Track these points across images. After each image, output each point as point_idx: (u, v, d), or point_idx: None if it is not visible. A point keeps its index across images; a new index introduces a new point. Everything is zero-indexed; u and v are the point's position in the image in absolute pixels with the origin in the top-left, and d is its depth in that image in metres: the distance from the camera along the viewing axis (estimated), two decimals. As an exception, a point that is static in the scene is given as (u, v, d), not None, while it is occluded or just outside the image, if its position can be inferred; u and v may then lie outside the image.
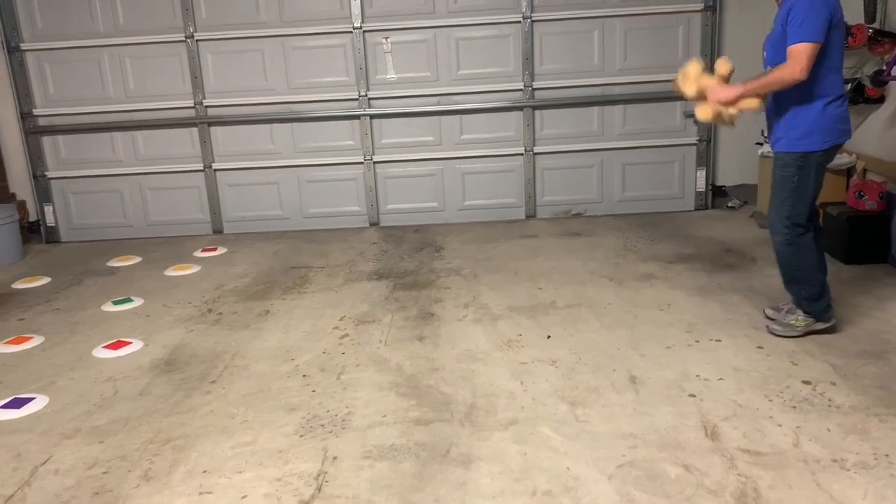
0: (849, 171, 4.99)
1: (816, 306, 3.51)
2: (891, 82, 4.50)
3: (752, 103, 3.37)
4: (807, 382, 3.11)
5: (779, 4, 3.40)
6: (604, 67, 5.94)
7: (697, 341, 3.58)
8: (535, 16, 5.84)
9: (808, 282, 3.48)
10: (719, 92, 3.38)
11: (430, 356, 3.57)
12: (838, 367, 3.23)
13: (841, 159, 4.97)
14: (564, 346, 3.60)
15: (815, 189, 3.41)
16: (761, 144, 5.65)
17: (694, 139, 6.07)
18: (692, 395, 3.05)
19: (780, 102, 3.40)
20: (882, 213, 4.49)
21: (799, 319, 3.55)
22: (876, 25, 4.54)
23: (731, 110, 3.41)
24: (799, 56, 3.15)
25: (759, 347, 3.48)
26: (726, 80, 3.45)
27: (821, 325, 3.54)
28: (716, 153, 6.15)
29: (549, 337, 3.72)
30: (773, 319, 3.70)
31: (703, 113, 3.49)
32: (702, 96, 3.47)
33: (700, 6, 5.81)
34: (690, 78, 3.47)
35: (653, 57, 5.92)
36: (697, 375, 3.23)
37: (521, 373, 3.34)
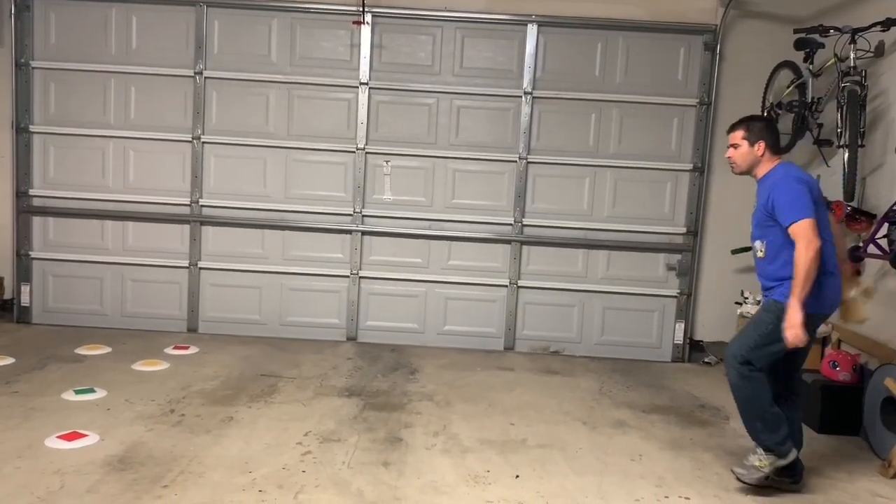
0: (824, 340, 5.07)
1: (775, 437, 3.50)
2: (867, 259, 4.66)
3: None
4: (776, 553, 3.03)
5: (758, 181, 3.64)
6: (592, 213, 6.14)
7: (667, 497, 3.51)
8: (531, 158, 6.08)
9: (763, 415, 3.50)
10: (793, 319, 3.32)
11: (394, 484, 3.46)
12: (808, 540, 3.16)
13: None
14: (532, 488, 3.50)
15: (790, 353, 3.47)
16: (741, 304, 5.76)
17: (675, 291, 6.18)
18: (658, 555, 2.95)
19: (784, 267, 3.45)
20: (855, 385, 4.53)
21: (762, 459, 3.53)
22: (854, 204, 4.76)
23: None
24: (803, 232, 3.32)
25: (729, 510, 3.41)
26: None
27: (782, 462, 3.52)
28: (696, 307, 6.25)
29: (517, 476, 3.64)
30: (735, 473, 3.68)
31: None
32: None
33: (689, 167, 6.09)
34: None
35: (641, 208, 6.13)
36: (665, 533, 3.14)
37: (485, 511, 3.23)
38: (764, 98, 5.70)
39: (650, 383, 5.46)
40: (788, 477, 3.59)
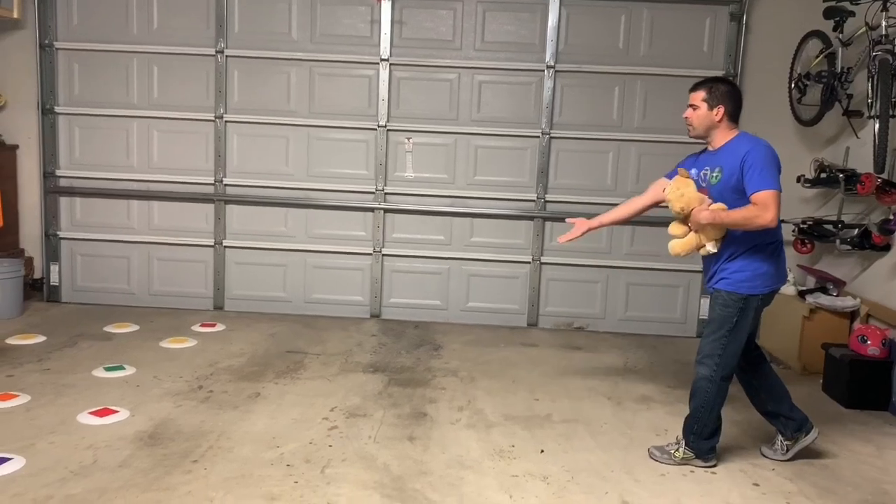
0: (852, 315, 5.01)
1: (702, 445, 3.53)
2: (897, 232, 4.59)
3: (713, 236, 3.42)
4: (803, 527, 3.02)
5: (715, 149, 3.49)
6: (616, 188, 6.08)
7: (692, 471, 3.50)
8: (554, 133, 6.03)
9: (704, 421, 3.50)
10: (700, 213, 3.36)
11: (420, 458, 3.49)
12: (836, 514, 3.14)
13: (845, 302, 5.00)
14: (557, 463, 3.52)
15: (752, 330, 3.49)
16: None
17: (700, 266, 6.12)
18: (685, 528, 2.96)
19: (726, 243, 3.43)
20: (885, 359, 4.47)
21: (680, 451, 3.56)
22: (884, 176, 4.67)
23: (702, 239, 3.44)
24: (769, 203, 3.22)
25: (755, 485, 3.40)
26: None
27: (700, 463, 3.54)
28: (721, 282, 6.18)
29: (542, 451, 3.65)
30: (766, 456, 3.70)
31: (682, 246, 3.51)
32: (685, 214, 3.46)
33: (714, 139, 6.00)
34: (687, 190, 3.44)
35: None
36: (691, 507, 3.14)
37: (511, 486, 3.25)
38: (791, 69, 5.60)
39: (675, 359, 5.44)
40: (798, 432, 3.62)
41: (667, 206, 3.59)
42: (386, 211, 6.17)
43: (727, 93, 3.46)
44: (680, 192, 3.44)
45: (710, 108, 3.43)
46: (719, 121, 3.44)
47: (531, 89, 6.04)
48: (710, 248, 3.42)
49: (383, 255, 6.21)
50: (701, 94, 3.45)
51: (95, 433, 3.59)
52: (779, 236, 3.45)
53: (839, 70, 5.02)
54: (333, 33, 6.02)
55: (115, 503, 2.90)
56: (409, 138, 6.11)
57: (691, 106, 3.48)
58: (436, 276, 6.25)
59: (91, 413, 3.81)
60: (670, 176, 3.68)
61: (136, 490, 3.02)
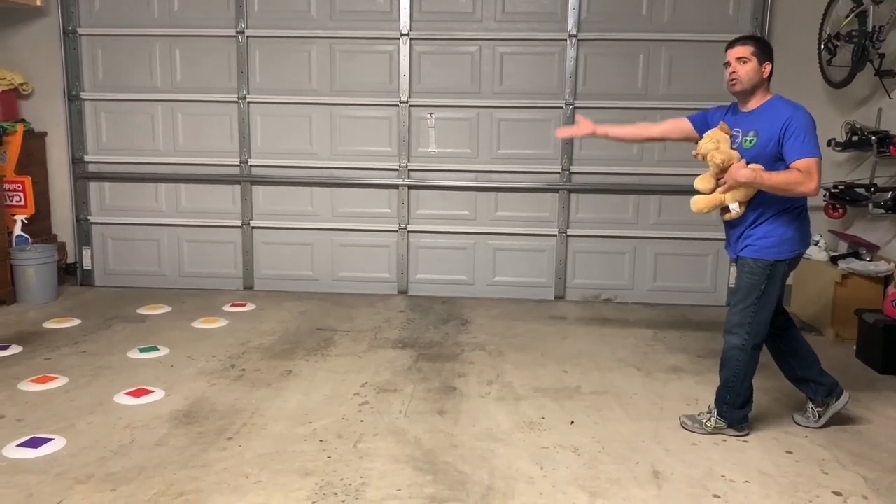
0: (886, 280, 4.93)
1: (734, 414, 3.51)
2: (932, 193, 4.49)
3: (740, 197, 3.34)
4: (837, 493, 3.00)
5: (749, 111, 3.40)
6: (642, 157, 6.01)
7: (724, 440, 3.49)
8: (578, 103, 5.96)
9: (737, 390, 3.47)
10: (740, 170, 3.28)
11: (450, 432, 3.52)
12: (871, 481, 3.12)
13: (878, 267, 4.92)
14: (588, 434, 3.53)
15: (779, 295, 3.45)
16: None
17: (729, 234, 6.05)
18: (716, 496, 2.96)
19: (752, 207, 3.38)
20: (920, 324, 4.41)
21: (712, 421, 3.54)
22: (918, 137, 4.57)
23: (728, 199, 3.38)
24: (812, 172, 3.15)
25: (788, 452, 3.38)
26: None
27: (732, 432, 3.53)
28: (750, 250, 6.11)
29: (572, 422, 3.66)
30: (799, 424, 3.67)
31: (706, 202, 3.46)
32: (724, 167, 3.36)
33: (741, 105, 5.89)
34: (723, 145, 3.36)
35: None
36: (723, 475, 3.14)
37: (541, 457, 3.27)
38: (821, 30, 5.46)
39: (705, 328, 5.40)
40: (828, 397, 3.59)
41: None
42: (410, 187, 6.16)
43: (770, 50, 3.39)
44: (716, 144, 3.36)
45: (760, 63, 3.32)
46: (766, 78, 3.35)
47: (554, 59, 5.96)
48: (736, 208, 3.37)
49: (409, 231, 6.22)
50: (750, 48, 3.32)
51: (132, 413, 3.67)
52: (802, 202, 3.38)
53: (870, 29, 4.88)
54: (352, 9, 5.99)
55: (153, 481, 2.97)
56: (431, 113, 6.08)
57: (739, 59, 3.33)
58: (462, 251, 6.25)
59: (127, 393, 3.90)
60: (694, 120, 3.63)
61: (174, 467, 3.09)
